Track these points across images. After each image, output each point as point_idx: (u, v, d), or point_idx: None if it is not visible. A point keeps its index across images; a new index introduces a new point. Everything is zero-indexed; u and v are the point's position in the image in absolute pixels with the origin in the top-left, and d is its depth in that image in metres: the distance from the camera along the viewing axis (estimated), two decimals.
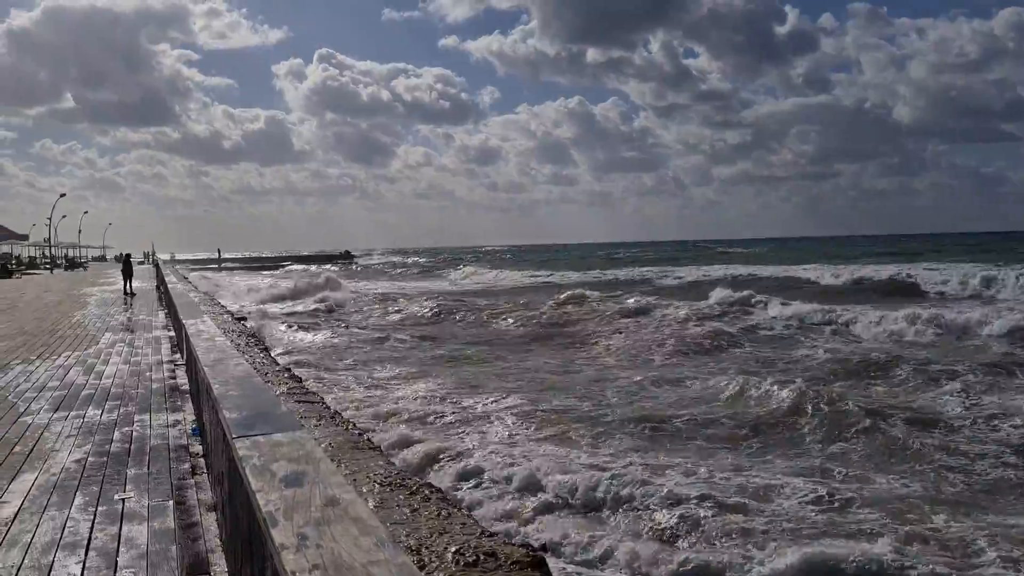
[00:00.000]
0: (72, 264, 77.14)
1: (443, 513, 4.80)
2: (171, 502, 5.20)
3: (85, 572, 4.05)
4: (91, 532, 4.62)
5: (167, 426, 7.44)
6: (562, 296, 34.57)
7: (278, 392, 9.30)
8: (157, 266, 48.87)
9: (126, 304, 23.63)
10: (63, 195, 73.01)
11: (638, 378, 17.54)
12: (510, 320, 30.26)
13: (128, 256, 31.02)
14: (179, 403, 8.52)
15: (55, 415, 7.97)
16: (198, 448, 6.55)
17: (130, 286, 27.71)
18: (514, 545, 4.29)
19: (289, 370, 12.78)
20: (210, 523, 4.78)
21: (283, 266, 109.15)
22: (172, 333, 14.69)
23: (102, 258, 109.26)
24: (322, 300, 40.58)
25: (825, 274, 48.33)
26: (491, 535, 4.45)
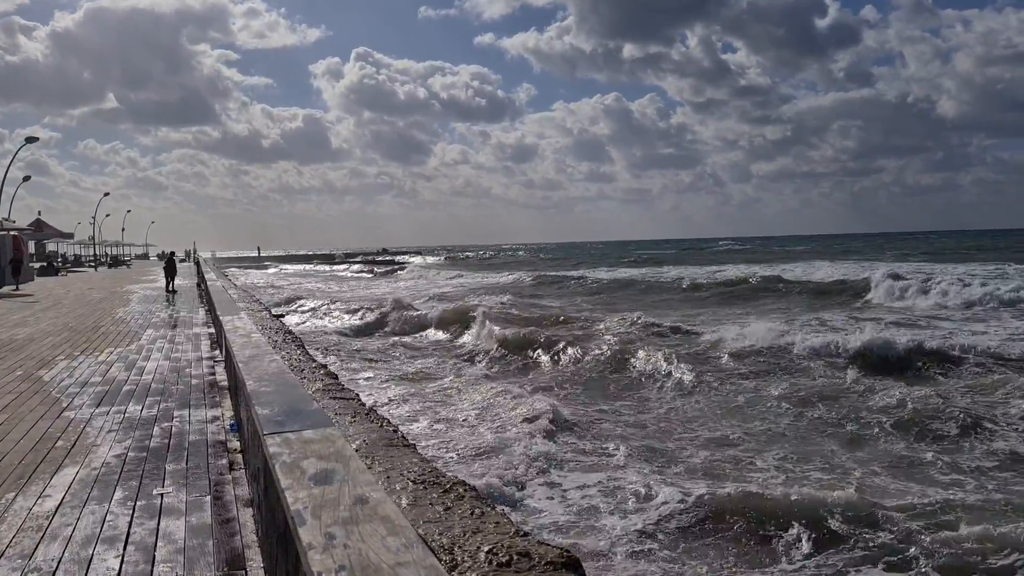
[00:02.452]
0: (116, 262, 78.72)
1: (476, 512, 4.75)
2: (208, 497, 5.23)
3: (124, 566, 4.08)
4: (130, 526, 4.66)
5: (206, 422, 7.51)
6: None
7: (313, 389, 9.35)
8: (198, 264, 49.57)
9: (168, 301, 24.04)
10: (107, 194, 74.70)
11: None
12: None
13: (172, 254, 31.52)
14: (218, 399, 8.60)
15: (97, 410, 8.10)
16: (236, 444, 6.58)
17: (172, 284, 28.27)
18: (548, 545, 4.23)
19: (325, 367, 12.85)
20: (246, 519, 4.79)
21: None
22: (212, 330, 14.89)
23: (145, 256, 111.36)
24: None
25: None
26: (525, 534, 4.39)
